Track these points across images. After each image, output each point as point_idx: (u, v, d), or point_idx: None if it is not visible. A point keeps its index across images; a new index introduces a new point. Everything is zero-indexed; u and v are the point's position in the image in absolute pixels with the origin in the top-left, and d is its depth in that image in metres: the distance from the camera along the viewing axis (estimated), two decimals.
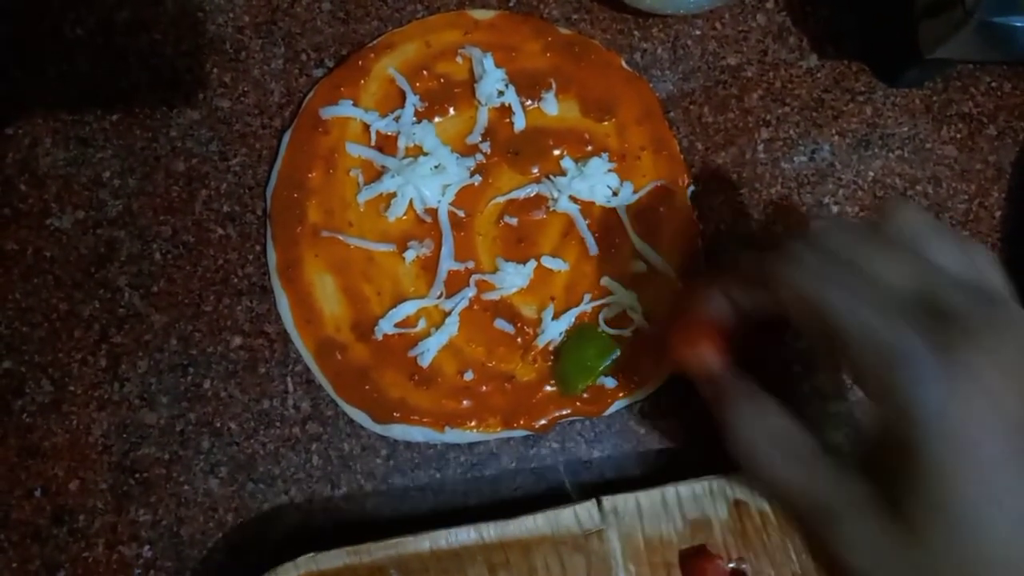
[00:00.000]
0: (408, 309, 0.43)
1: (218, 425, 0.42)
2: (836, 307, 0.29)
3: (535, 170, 0.45)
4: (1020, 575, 0.27)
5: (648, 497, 0.40)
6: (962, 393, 0.27)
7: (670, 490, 0.40)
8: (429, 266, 0.43)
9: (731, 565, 0.39)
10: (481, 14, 0.47)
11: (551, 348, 0.43)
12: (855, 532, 0.29)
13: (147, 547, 0.41)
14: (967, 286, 0.29)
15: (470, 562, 0.38)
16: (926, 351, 0.27)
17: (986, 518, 0.26)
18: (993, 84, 0.49)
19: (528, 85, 0.46)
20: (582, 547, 0.39)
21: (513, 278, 0.43)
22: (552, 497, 0.41)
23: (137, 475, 0.41)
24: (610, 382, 0.43)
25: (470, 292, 0.43)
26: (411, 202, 0.44)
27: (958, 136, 0.48)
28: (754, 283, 0.34)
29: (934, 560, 0.27)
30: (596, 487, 0.42)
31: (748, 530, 0.40)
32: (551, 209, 0.45)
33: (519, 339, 0.43)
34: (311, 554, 0.37)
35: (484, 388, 0.42)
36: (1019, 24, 0.39)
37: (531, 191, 0.45)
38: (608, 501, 0.39)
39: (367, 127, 0.45)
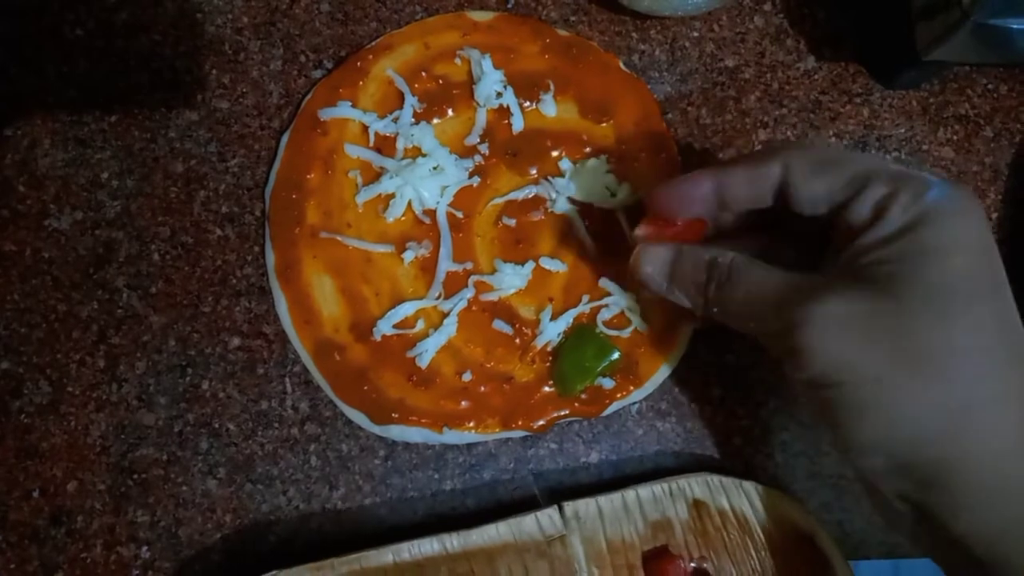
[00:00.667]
0: (407, 310, 0.43)
1: (216, 426, 0.42)
2: (861, 159, 0.35)
3: (533, 171, 0.45)
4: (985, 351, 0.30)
5: (609, 501, 0.40)
6: (968, 207, 0.32)
7: (630, 493, 0.40)
8: (428, 267, 0.44)
9: (692, 564, 0.40)
10: (480, 16, 0.47)
11: (549, 349, 0.43)
12: (834, 309, 0.31)
13: (145, 548, 0.41)
14: None
15: (433, 573, 0.38)
16: (941, 182, 0.32)
17: (962, 294, 0.30)
18: (989, 86, 0.49)
19: (526, 86, 0.46)
20: (545, 553, 0.39)
21: (511, 279, 0.43)
22: (551, 496, 0.41)
23: (135, 476, 0.41)
24: (608, 383, 0.43)
25: (468, 293, 0.43)
26: (409, 203, 0.44)
27: (955, 138, 0.48)
28: (764, 159, 0.35)
29: (913, 322, 0.30)
30: (567, 493, 0.42)
31: (708, 529, 0.40)
32: (549, 210, 0.45)
33: (517, 340, 0.43)
34: (274, 572, 0.37)
35: (482, 389, 0.42)
36: (1015, 26, 0.39)
37: (529, 192, 0.45)
38: (569, 506, 0.40)
39: (366, 128, 0.45)
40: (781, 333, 0.32)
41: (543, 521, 0.39)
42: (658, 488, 0.41)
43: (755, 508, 0.41)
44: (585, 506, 0.40)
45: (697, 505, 0.40)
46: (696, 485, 0.41)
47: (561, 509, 0.40)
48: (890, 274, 0.31)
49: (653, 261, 0.37)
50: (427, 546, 0.38)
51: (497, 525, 0.39)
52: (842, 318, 0.30)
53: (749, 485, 0.41)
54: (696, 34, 0.49)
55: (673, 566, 0.39)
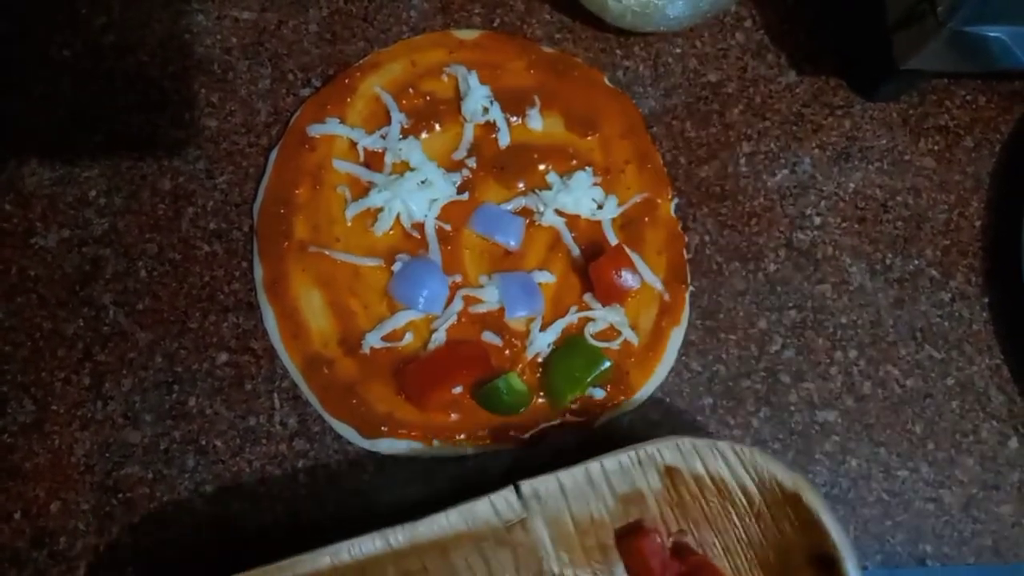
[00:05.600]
0: (396, 322, 0.42)
1: (203, 443, 0.42)
2: None
3: (521, 185, 0.45)
4: None
5: (571, 476, 0.36)
6: None
7: (594, 465, 0.36)
8: None
9: (671, 539, 0.36)
10: (466, 34, 0.48)
11: (539, 360, 0.43)
12: None
13: (130, 569, 0.40)
14: None
15: (379, 573, 0.34)
16: None
17: None
18: (968, 98, 0.50)
19: (513, 102, 0.46)
20: (506, 540, 0.35)
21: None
22: None
23: (120, 495, 0.41)
24: (599, 393, 0.42)
25: (457, 306, 0.43)
26: (398, 217, 0.44)
27: (935, 148, 0.49)
28: None
29: None
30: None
31: (685, 498, 0.37)
32: (537, 223, 0.45)
33: (507, 351, 0.43)
34: None
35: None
36: (991, 34, 0.40)
37: (517, 205, 0.45)
38: (527, 485, 0.36)
39: (354, 144, 0.45)
40: None
41: (499, 504, 0.36)
42: (625, 457, 0.37)
43: (733, 470, 0.37)
44: (544, 484, 0.36)
45: (670, 473, 0.37)
46: (666, 450, 0.37)
47: (518, 489, 0.36)
48: None
49: None
50: (368, 544, 0.34)
51: (447, 513, 0.35)
52: None
53: (724, 445, 0.37)
54: (679, 50, 0.50)
55: (647, 541, 0.36)
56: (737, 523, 0.37)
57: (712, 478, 0.37)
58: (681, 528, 0.37)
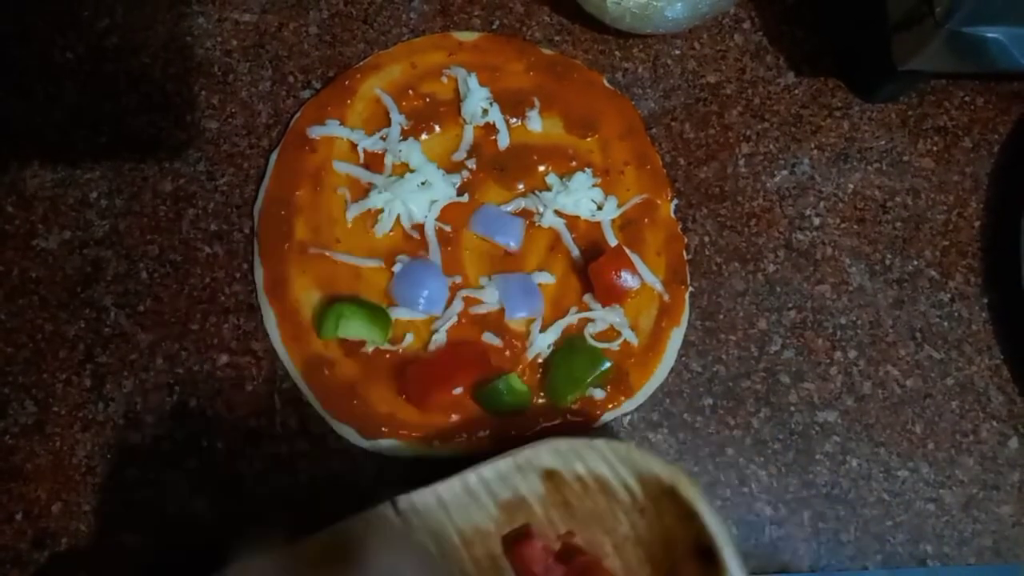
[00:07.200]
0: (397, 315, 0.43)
1: (204, 444, 0.42)
2: None
3: (520, 186, 0.46)
4: None
5: (449, 488, 0.36)
6: None
7: (471, 476, 0.36)
8: None
9: (559, 542, 0.36)
10: (465, 36, 0.48)
11: (540, 361, 0.43)
12: None
13: (130, 571, 0.40)
14: None
15: None
16: None
17: None
18: (966, 99, 0.50)
19: (512, 103, 0.46)
20: None
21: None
22: None
23: (121, 496, 0.41)
24: (599, 394, 0.42)
25: (458, 307, 0.43)
26: (398, 218, 0.44)
27: (934, 149, 0.49)
28: None
29: None
30: None
31: (570, 500, 0.36)
32: (537, 224, 0.45)
33: (507, 352, 0.43)
34: None
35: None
36: (989, 35, 0.40)
37: (517, 206, 0.45)
38: (404, 500, 0.36)
39: (354, 146, 0.45)
40: None
41: (377, 521, 0.36)
42: (502, 464, 0.36)
43: (613, 467, 0.36)
44: (421, 498, 0.36)
45: (551, 476, 0.36)
46: (544, 454, 0.36)
47: (395, 504, 0.36)
48: None
49: None
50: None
51: (320, 536, 0.35)
52: None
53: (600, 443, 0.37)
54: (678, 52, 0.50)
55: (528, 547, 0.35)
56: (623, 519, 0.37)
57: (594, 477, 0.36)
58: (569, 530, 0.37)
